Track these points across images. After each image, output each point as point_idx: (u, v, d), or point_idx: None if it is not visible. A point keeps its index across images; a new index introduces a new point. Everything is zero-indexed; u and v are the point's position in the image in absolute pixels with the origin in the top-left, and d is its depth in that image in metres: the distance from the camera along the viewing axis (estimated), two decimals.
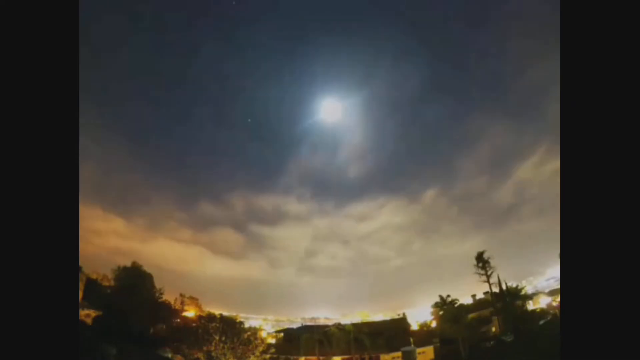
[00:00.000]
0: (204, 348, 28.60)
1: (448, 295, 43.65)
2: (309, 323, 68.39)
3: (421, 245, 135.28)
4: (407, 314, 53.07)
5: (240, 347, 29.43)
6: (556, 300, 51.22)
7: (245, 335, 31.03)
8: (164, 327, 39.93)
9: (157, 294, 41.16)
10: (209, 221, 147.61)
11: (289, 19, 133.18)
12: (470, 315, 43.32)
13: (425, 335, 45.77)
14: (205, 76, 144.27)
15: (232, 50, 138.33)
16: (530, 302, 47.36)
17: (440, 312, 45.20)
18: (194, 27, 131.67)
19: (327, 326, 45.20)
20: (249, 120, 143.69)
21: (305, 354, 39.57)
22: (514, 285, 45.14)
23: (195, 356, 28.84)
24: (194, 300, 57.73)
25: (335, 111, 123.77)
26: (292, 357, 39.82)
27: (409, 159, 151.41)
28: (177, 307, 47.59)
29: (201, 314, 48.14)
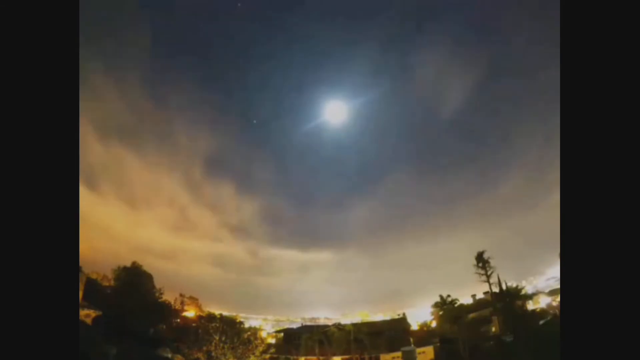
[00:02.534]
0: (204, 348, 28.60)
1: (448, 295, 43.68)
2: (309, 323, 68.40)
3: (421, 245, 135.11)
4: (407, 314, 53.10)
5: (240, 347, 29.43)
6: (556, 300, 51.27)
7: (245, 335, 31.04)
8: (164, 327, 39.90)
9: (157, 294, 41.16)
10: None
11: (292, 18, 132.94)
12: (470, 315, 43.33)
13: (425, 335, 45.80)
14: (208, 76, 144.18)
15: (236, 50, 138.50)
16: (530, 302, 47.39)
17: (440, 312, 45.21)
18: (198, 29, 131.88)
19: (327, 326, 45.21)
20: (255, 121, 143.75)
21: (305, 354, 39.58)
22: (514, 285, 45.17)
23: (195, 356, 28.85)
24: (194, 300, 57.70)
25: (340, 113, 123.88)
26: (292, 357, 39.83)
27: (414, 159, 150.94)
28: (177, 307, 47.56)
29: (201, 314, 48.18)
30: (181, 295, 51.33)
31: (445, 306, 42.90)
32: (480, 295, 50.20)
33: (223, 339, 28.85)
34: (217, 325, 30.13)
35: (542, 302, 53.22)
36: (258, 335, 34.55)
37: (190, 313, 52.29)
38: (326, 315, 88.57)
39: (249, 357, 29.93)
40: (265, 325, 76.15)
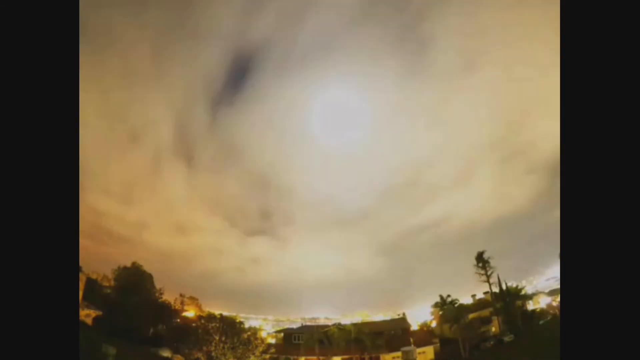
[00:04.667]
0: (204, 348, 28.63)
1: (448, 295, 43.71)
2: (309, 323, 68.38)
3: (423, 245, 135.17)
4: (407, 314, 53.13)
5: (240, 347, 29.46)
6: (556, 300, 51.28)
7: (245, 335, 31.07)
8: (164, 327, 39.89)
9: (157, 294, 41.17)
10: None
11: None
12: (470, 315, 43.34)
13: (425, 335, 45.79)
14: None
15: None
16: (530, 302, 47.42)
17: (440, 312, 45.24)
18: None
19: (327, 326, 45.19)
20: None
21: (305, 354, 39.57)
22: (514, 285, 45.21)
23: (195, 356, 28.88)
24: (194, 300, 57.74)
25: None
26: (292, 357, 39.83)
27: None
28: (177, 307, 47.55)
29: (201, 314, 48.16)
30: (181, 295, 51.33)
31: (445, 306, 42.91)
32: (480, 295, 50.20)
33: (223, 339, 28.88)
34: (217, 325, 30.15)
35: (542, 302, 53.24)
36: (258, 335, 34.58)
37: (190, 313, 52.31)
38: (326, 315, 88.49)
39: (249, 357, 29.96)
40: (265, 325, 76.13)
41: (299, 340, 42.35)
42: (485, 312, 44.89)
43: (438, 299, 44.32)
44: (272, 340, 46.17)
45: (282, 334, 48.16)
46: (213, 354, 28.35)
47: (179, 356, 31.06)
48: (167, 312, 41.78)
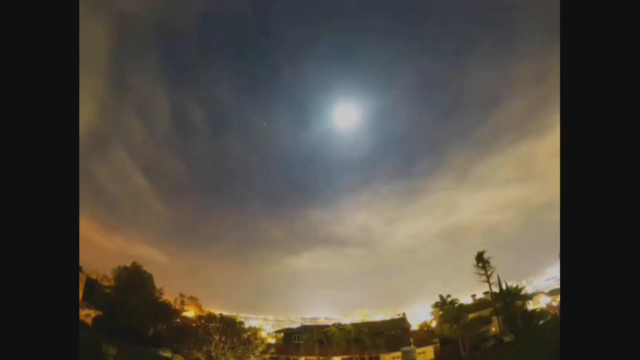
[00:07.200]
0: (204, 348, 28.60)
1: (448, 295, 43.68)
2: (309, 323, 68.35)
3: (424, 246, 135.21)
4: (407, 314, 53.08)
5: (240, 347, 29.44)
6: (556, 300, 51.31)
7: (245, 335, 31.04)
8: (164, 327, 39.88)
9: (157, 294, 41.15)
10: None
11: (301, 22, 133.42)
12: (470, 315, 43.32)
13: (425, 335, 45.78)
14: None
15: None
16: (530, 302, 47.43)
17: (440, 312, 45.22)
18: (207, 34, 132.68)
19: (327, 326, 45.14)
20: (264, 124, 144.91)
21: (305, 354, 39.54)
22: (514, 285, 45.21)
23: (195, 356, 28.84)
24: (194, 300, 57.68)
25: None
26: (292, 357, 39.81)
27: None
28: (177, 307, 47.53)
29: (201, 314, 48.10)
30: (181, 295, 51.33)
31: (445, 306, 42.89)
32: (480, 295, 50.21)
33: (223, 339, 28.86)
34: (217, 325, 30.14)
35: (542, 302, 53.29)
36: (258, 335, 34.54)
37: (190, 313, 52.29)
38: (326, 315, 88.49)
39: (249, 357, 29.94)
40: (265, 325, 76.13)
41: (299, 340, 42.33)
42: (485, 312, 44.88)
43: (438, 299, 44.32)
44: (272, 340, 46.16)
45: (282, 334, 48.13)
46: (213, 354, 28.33)
47: (179, 356, 31.04)
48: (167, 312, 41.75)
